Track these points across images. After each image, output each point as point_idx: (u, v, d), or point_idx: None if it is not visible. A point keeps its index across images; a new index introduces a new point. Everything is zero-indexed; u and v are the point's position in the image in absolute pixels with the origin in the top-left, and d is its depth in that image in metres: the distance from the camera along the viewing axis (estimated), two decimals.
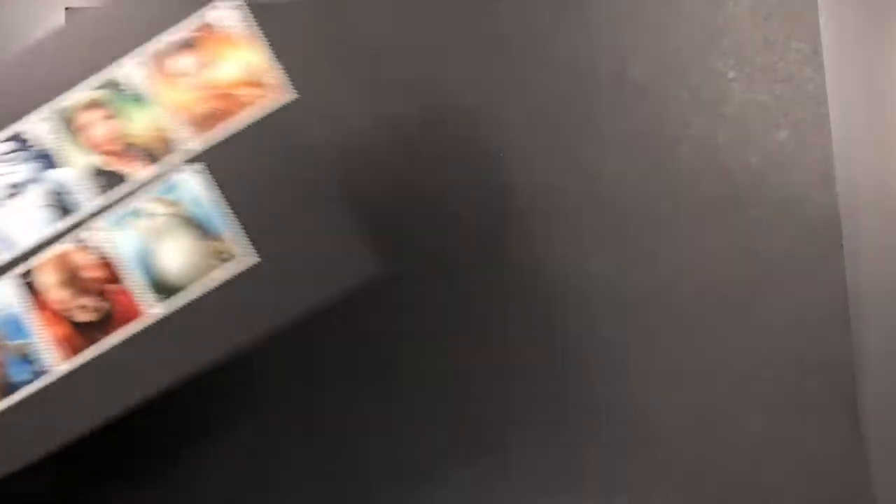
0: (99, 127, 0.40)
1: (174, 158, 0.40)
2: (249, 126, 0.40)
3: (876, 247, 0.51)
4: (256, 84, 0.40)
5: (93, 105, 0.40)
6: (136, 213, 0.39)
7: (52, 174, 0.40)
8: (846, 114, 0.52)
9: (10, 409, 0.38)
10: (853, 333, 0.49)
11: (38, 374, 0.38)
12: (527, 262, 0.50)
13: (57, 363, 0.38)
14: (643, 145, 0.51)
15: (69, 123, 0.40)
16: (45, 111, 0.40)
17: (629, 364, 0.49)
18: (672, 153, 0.51)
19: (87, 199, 0.39)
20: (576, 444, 0.48)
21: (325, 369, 0.49)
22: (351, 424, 0.48)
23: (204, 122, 0.40)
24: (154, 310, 0.39)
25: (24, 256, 0.39)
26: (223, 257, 0.39)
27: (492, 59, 0.52)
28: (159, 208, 0.39)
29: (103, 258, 0.39)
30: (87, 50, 0.40)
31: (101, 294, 0.39)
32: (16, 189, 0.40)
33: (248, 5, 0.41)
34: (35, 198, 0.39)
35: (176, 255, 0.39)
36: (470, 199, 0.51)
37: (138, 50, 0.40)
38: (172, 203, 0.39)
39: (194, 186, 0.39)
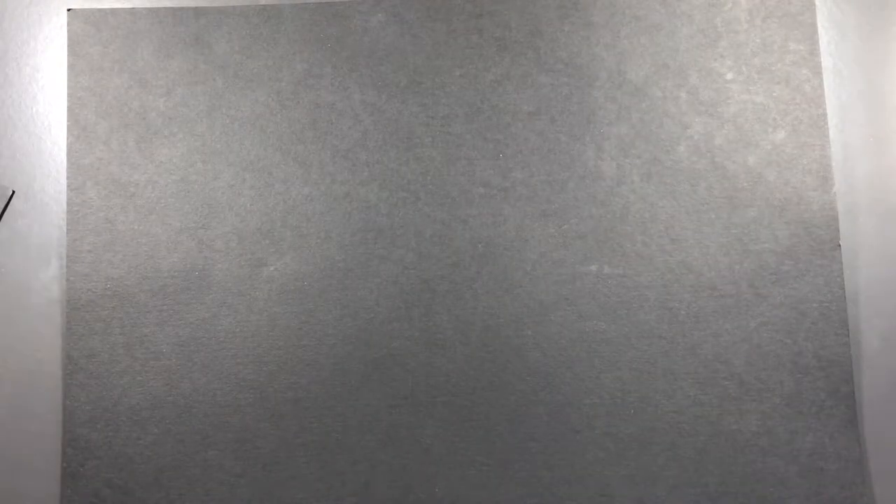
0: None
1: None
2: None
3: (873, 247, 0.51)
4: None
5: None
6: None
7: None
8: (844, 115, 0.52)
9: None
10: (851, 333, 0.49)
11: None
12: (524, 261, 0.50)
13: None
14: (641, 146, 0.51)
15: None
16: None
17: (627, 364, 0.49)
18: (670, 153, 0.51)
19: None
20: (575, 444, 0.48)
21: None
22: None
23: None
24: None
25: None
26: None
27: (492, 59, 0.52)
28: None
29: None
30: None
31: None
32: None
33: None
34: None
35: None
36: (469, 199, 0.51)
37: None
38: None
39: None
